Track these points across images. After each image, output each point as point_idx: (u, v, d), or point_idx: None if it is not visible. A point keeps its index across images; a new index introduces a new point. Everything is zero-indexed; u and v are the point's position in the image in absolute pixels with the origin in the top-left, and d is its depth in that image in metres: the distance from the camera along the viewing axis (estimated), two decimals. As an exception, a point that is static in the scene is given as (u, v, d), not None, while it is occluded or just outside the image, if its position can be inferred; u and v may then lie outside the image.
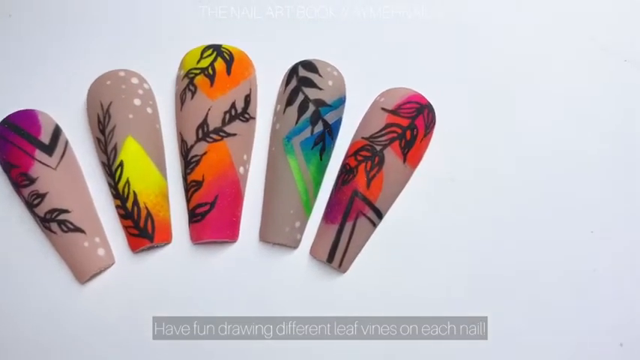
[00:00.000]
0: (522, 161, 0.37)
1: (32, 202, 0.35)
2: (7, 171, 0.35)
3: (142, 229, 0.34)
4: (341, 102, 0.36)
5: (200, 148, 0.35)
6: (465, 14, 0.40)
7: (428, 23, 0.40)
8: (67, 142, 0.37)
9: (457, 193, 0.36)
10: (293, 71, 0.36)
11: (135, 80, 0.37)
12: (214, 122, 0.35)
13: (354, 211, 0.34)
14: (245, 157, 0.36)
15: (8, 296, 0.35)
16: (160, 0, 0.41)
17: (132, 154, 0.35)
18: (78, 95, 0.38)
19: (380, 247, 0.35)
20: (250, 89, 0.37)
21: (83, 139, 0.37)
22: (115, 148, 0.35)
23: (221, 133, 0.35)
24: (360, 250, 0.35)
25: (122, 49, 0.40)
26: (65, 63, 0.39)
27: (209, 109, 0.35)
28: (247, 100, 0.36)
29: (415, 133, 0.35)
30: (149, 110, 0.37)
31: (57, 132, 0.37)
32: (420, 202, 0.36)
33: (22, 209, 0.36)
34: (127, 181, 0.35)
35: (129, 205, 0.35)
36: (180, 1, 0.41)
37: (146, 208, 0.35)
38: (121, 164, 0.35)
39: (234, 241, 0.35)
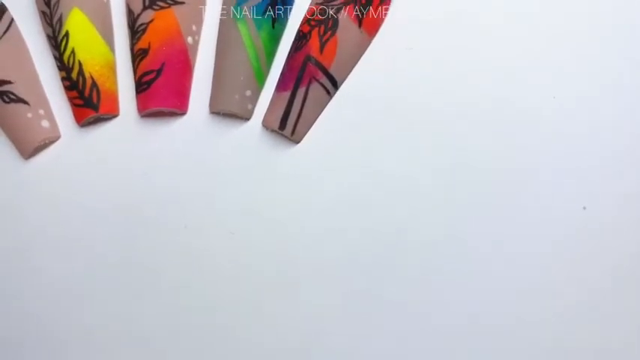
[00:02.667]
0: (483, 33, 0.35)
1: (-27, 74, 0.34)
2: (-52, 46, 0.34)
3: (87, 99, 0.33)
4: (296, -29, 0.35)
5: (146, 16, 0.33)
6: None
7: None
8: (12, 19, 0.35)
9: (415, 63, 0.34)
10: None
11: (82, -47, 0.36)
12: (162, -10, 0.34)
13: (307, 76, 0.32)
14: (194, 27, 0.34)
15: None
16: None
17: (77, 24, 0.34)
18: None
19: (335, 119, 0.33)
20: (202, -42, 0.35)
21: (28, 15, 0.36)
22: (60, 20, 0.34)
23: (168, 1, 0.34)
24: (314, 120, 0.33)
25: None
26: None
27: (156, -23, 0.34)
28: (198, -31, 0.35)
29: (370, -2, 0.33)
30: (96, -16, 0.35)
31: (1, 8, 0.35)
32: (378, 71, 0.34)
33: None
34: (72, 52, 0.33)
35: (74, 75, 0.33)
36: None
37: (91, 77, 0.33)
38: (66, 35, 0.33)
39: (184, 113, 0.34)
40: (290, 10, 0.35)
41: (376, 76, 0.34)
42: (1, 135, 0.34)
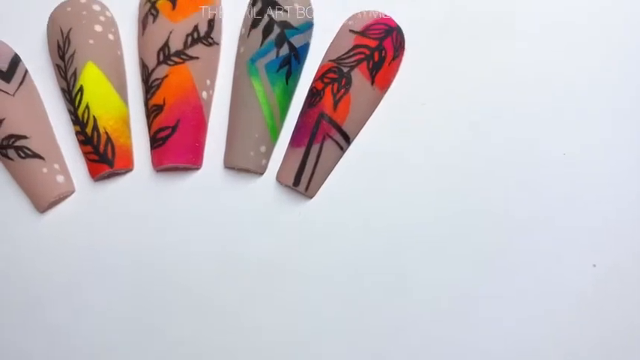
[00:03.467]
0: (495, 86, 0.35)
1: (-12, 129, 0.34)
2: (-36, 99, 0.34)
3: (102, 155, 0.33)
4: (308, 26, 0.35)
5: (161, 71, 0.34)
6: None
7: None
8: (26, 71, 0.36)
9: (427, 118, 0.35)
10: (258, -6, 0.35)
11: (96, 7, 0.36)
12: (176, 45, 0.34)
13: (321, 133, 0.33)
14: (208, 82, 0.35)
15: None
16: None
17: (92, 79, 0.34)
18: (37, 24, 0.37)
19: (348, 173, 0.34)
20: (215, 14, 0.35)
21: (43, 68, 0.36)
22: (74, 74, 0.34)
23: (182, 56, 0.34)
24: (327, 175, 0.34)
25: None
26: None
27: (170, 32, 0.34)
28: (211, 24, 0.35)
29: (383, 54, 0.34)
30: (110, 37, 0.35)
31: (15, 60, 0.35)
32: (390, 126, 0.34)
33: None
34: (87, 106, 0.34)
35: (88, 130, 0.34)
36: None
37: (106, 133, 0.34)
38: (80, 89, 0.34)
39: (198, 168, 0.34)
40: (303, 66, 0.35)
41: (388, 130, 0.35)
42: (15, 188, 0.34)
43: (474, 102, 0.35)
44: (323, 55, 0.36)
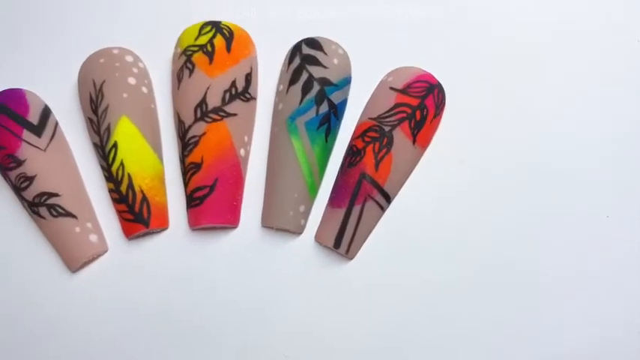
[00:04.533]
0: (534, 143, 0.35)
1: (20, 185, 0.33)
2: (-6, 153, 0.34)
3: (137, 214, 0.33)
4: (347, 82, 0.35)
5: (198, 128, 0.33)
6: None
7: (429, 5, 0.38)
8: (56, 123, 0.35)
9: (467, 176, 0.34)
10: (296, 49, 0.35)
11: (129, 58, 0.35)
12: (213, 101, 0.33)
13: (362, 194, 0.32)
14: (246, 138, 0.34)
15: (-6, 286, 0.33)
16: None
17: (126, 134, 0.33)
18: (68, 74, 0.36)
19: (388, 232, 0.33)
20: (251, 68, 0.35)
21: (74, 120, 0.35)
22: (108, 129, 0.33)
23: (221, 113, 0.33)
24: (367, 236, 0.33)
25: (115, 25, 0.38)
26: (54, 40, 0.37)
27: (208, 88, 0.33)
28: (248, 79, 0.34)
29: (425, 113, 0.33)
30: (144, 90, 0.35)
31: (46, 112, 0.34)
32: (430, 184, 0.34)
33: (9, 193, 0.34)
34: (121, 163, 0.33)
35: (123, 188, 0.33)
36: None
37: (141, 191, 0.33)
38: (114, 145, 0.33)
39: (235, 227, 0.33)
40: (340, 122, 0.35)
41: (427, 188, 0.34)
42: (47, 246, 0.33)
43: (514, 159, 0.35)
44: (359, 110, 0.35)
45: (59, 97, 0.36)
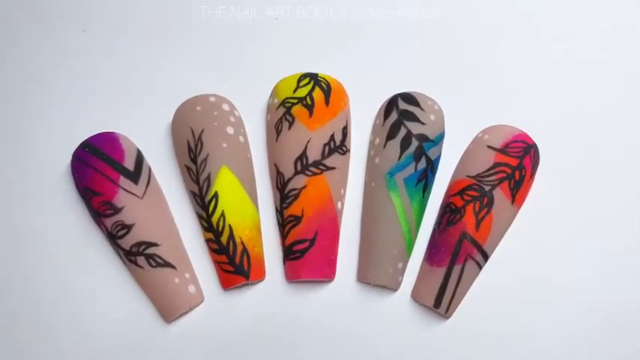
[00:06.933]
0: (627, 199, 0.35)
1: (116, 233, 0.32)
2: (88, 199, 0.33)
3: (238, 266, 0.32)
4: (441, 137, 0.35)
5: (299, 181, 0.33)
6: (563, 51, 0.39)
7: (516, 60, 0.39)
8: (150, 170, 0.35)
9: (561, 234, 0.34)
10: (392, 103, 0.35)
11: (226, 107, 0.35)
12: (314, 155, 0.33)
13: (463, 254, 0.32)
14: (342, 191, 0.34)
15: (88, 337, 0.33)
16: (244, 24, 0.39)
17: (227, 184, 0.33)
18: (157, 119, 0.36)
19: (482, 289, 0.33)
20: (347, 121, 0.35)
21: (165, 167, 0.35)
22: (208, 178, 0.33)
23: (321, 167, 0.33)
24: (465, 294, 0.33)
25: (204, 72, 0.38)
26: (143, 83, 0.37)
27: (308, 141, 0.33)
28: (344, 132, 0.35)
29: (523, 173, 0.34)
30: (241, 139, 0.35)
31: (140, 157, 0.34)
32: (524, 242, 0.34)
33: (99, 239, 0.34)
34: (222, 214, 0.33)
35: (223, 239, 0.33)
36: (263, 27, 0.39)
37: (242, 242, 0.33)
38: (215, 195, 0.33)
39: (331, 280, 0.33)
40: (435, 178, 0.35)
41: (522, 246, 0.34)
42: (140, 296, 0.33)
43: (608, 215, 0.35)
44: (452, 165, 0.35)
45: (149, 142, 0.36)
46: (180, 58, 0.38)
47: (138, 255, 0.32)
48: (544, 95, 0.38)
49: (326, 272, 0.33)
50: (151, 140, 0.36)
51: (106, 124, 0.35)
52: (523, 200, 0.34)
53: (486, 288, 0.33)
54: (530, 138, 0.34)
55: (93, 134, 0.34)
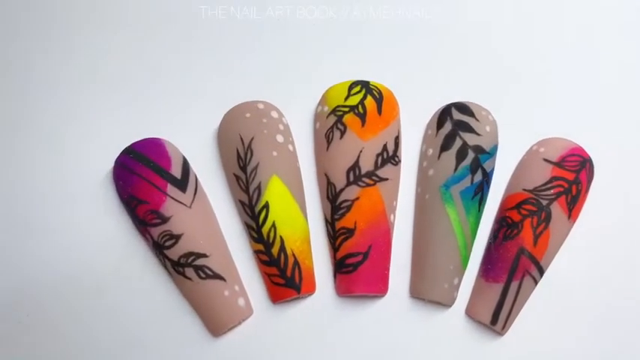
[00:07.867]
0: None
1: (163, 243, 0.31)
2: (132, 207, 0.32)
3: (289, 279, 0.31)
4: (496, 149, 0.34)
5: (351, 192, 0.32)
6: (616, 62, 0.38)
7: (564, 70, 0.38)
8: (196, 178, 0.34)
9: (616, 247, 0.34)
10: (446, 113, 0.34)
11: (275, 114, 0.34)
12: (366, 165, 0.32)
13: (520, 270, 0.31)
14: (394, 203, 0.33)
15: (132, 353, 0.32)
16: (288, 31, 0.38)
17: (277, 195, 0.32)
18: (202, 125, 0.35)
19: (537, 305, 0.32)
20: (399, 130, 0.34)
21: (211, 175, 0.34)
22: (258, 188, 0.32)
23: (374, 178, 0.32)
24: (520, 310, 0.32)
25: (245, 79, 0.37)
26: (188, 89, 0.36)
27: (361, 151, 0.33)
28: (397, 142, 0.34)
29: (580, 187, 0.33)
30: (290, 148, 0.34)
31: (186, 165, 0.33)
32: (578, 256, 0.33)
33: (143, 251, 0.33)
34: (273, 225, 0.32)
35: (274, 251, 0.32)
36: (307, 34, 0.38)
37: (293, 255, 0.32)
38: (266, 205, 0.32)
39: (383, 295, 0.33)
40: (489, 191, 0.34)
41: (576, 261, 0.33)
42: (187, 308, 0.32)
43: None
44: (503, 178, 0.34)
45: (194, 149, 0.35)
46: (221, 64, 0.37)
47: (186, 266, 0.31)
48: (593, 106, 0.37)
49: (379, 287, 0.32)
50: (194, 147, 0.35)
51: (144, 131, 0.34)
52: (578, 215, 0.33)
53: (540, 303, 0.33)
54: (585, 152, 0.34)
55: (135, 140, 0.33)
